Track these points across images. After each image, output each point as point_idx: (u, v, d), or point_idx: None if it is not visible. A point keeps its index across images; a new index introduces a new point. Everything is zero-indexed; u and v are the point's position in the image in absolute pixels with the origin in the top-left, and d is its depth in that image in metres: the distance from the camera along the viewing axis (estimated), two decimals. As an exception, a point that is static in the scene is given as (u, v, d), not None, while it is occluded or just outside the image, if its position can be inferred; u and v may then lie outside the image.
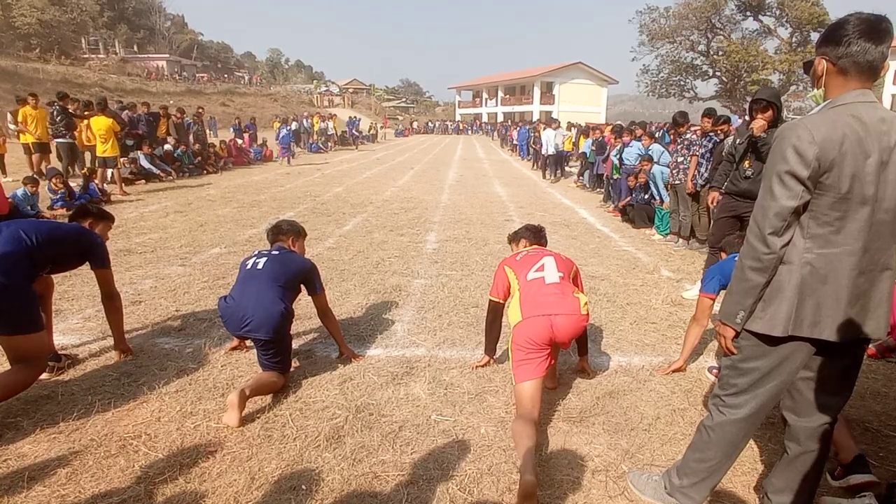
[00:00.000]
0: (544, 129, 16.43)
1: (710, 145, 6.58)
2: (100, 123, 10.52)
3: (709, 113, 6.96)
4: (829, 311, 1.75)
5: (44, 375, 3.12)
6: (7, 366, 2.92)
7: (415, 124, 56.99)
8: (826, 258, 1.74)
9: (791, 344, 1.83)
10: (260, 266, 3.24)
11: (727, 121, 6.70)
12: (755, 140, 4.49)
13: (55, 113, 11.29)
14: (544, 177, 15.68)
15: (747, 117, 4.79)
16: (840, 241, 1.73)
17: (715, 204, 5.23)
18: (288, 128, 19.59)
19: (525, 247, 3.38)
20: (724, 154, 5.15)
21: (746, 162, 4.59)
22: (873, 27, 1.67)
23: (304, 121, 20.66)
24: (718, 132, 6.54)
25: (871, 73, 1.71)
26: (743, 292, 1.83)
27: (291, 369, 3.32)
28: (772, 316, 1.80)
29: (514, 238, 3.57)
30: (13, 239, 2.91)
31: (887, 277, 1.77)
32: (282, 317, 3.10)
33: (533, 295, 2.85)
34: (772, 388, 1.91)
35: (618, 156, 9.97)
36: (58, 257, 3.19)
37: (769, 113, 4.41)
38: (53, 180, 8.73)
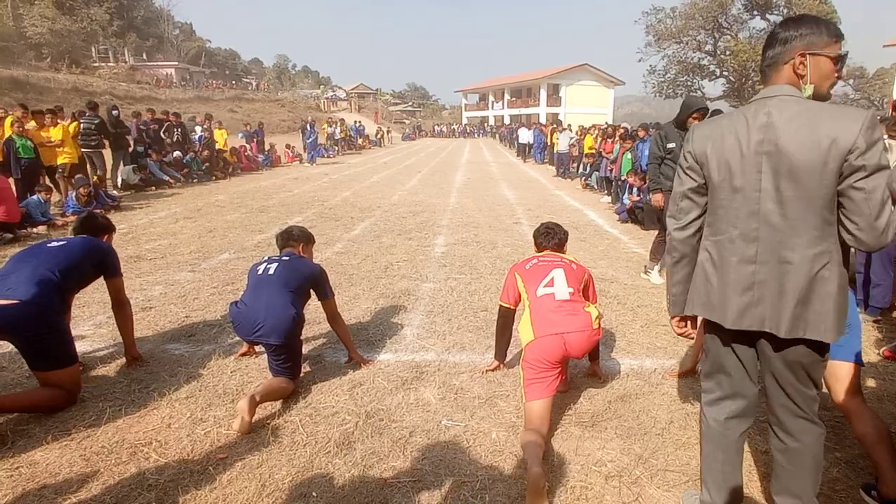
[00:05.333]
0: (521, 127, 27.07)
1: None
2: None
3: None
4: (720, 297, 1.83)
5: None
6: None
7: (422, 128, 57.17)
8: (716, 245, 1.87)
9: (714, 331, 1.92)
10: (271, 272, 3.25)
11: None
12: None
13: (91, 124, 11.16)
14: (524, 161, 22.88)
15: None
16: (722, 228, 1.84)
17: (662, 205, 5.43)
18: (313, 131, 20.47)
19: (538, 251, 3.35)
20: (655, 157, 5.43)
21: None
22: None
23: (308, 126, 20.73)
24: None
25: None
26: None
27: (301, 375, 3.32)
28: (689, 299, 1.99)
29: (533, 240, 3.52)
30: (40, 280, 2.97)
31: (794, 271, 1.70)
32: (293, 322, 3.10)
33: (544, 313, 2.84)
34: (726, 380, 1.96)
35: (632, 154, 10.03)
36: (79, 280, 3.28)
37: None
38: (81, 190, 8.80)
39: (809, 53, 1.72)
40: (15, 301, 2.83)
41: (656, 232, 8.03)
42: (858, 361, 2.30)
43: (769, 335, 1.77)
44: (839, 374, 2.29)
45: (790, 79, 1.76)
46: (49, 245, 3.25)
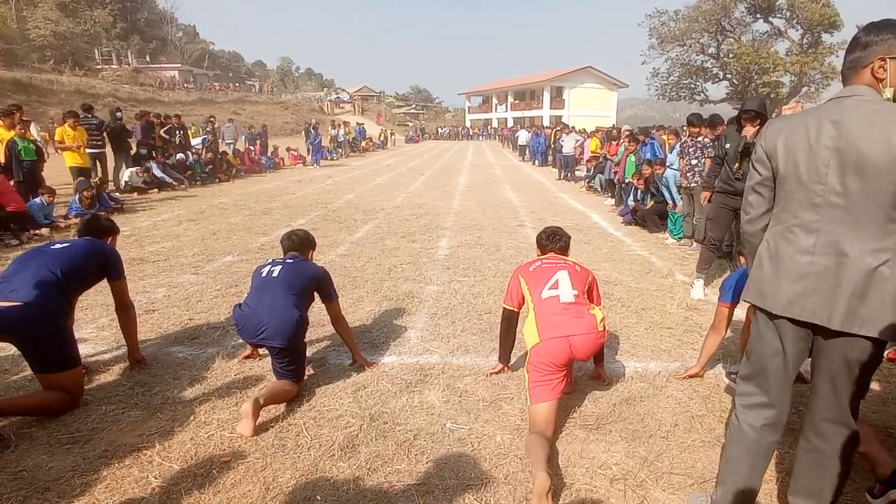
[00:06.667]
0: (520, 129, 29.90)
1: None
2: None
3: (691, 121, 7.23)
4: (772, 285, 1.85)
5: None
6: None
7: (426, 130, 57.23)
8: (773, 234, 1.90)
9: (763, 329, 1.92)
10: (275, 274, 3.24)
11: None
12: (748, 145, 4.88)
13: (90, 126, 11.17)
14: (523, 160, 24.69)
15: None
16: (783, 219, 1.87)
17: (707, 202, 5.76)
18: (317, 134, 20.57)
19: (542, 254, 3.35)
20: (717, 157, 5.52)
21: (736, 164, 5.08)
22: None
23: (311, 130, 20.75)
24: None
25: None
26: None
27: (305, 377, 3.31)
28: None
29: (536, 244, 3.54)
30: (44, 282, 2.96)
31: (851, 264, 1.70)
32: (297, 324, 3.09)
33: (549, 315, 2.83)
34: (766, 385, 1.93)
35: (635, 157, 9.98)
36: (82, 281, 3.27)
37: (759, 122, 4.87)
38: (84, 192, 8.80)
39: (890, 57, 1.72)
40: (18, 303, 2.83)
41: (658, 233, 8.04)
42: None
43: (823, 332, 1.76)
44: None
45: (869, 82, 1.77)
46: (52, 247, 3.25)
